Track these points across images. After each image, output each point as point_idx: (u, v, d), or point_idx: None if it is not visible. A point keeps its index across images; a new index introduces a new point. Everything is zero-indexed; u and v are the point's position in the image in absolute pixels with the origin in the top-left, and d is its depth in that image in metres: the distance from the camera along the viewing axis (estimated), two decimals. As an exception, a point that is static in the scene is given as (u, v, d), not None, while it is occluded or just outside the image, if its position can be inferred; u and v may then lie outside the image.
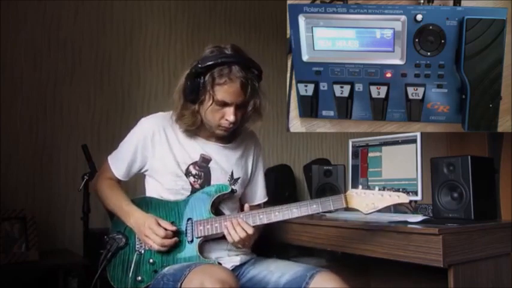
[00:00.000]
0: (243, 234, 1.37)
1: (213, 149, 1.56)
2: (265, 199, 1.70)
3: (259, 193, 1.69)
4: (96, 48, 2.66)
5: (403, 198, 1.33)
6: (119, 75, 2.73)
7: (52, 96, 2.50)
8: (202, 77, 1.39)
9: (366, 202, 1.34)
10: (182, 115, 1.47)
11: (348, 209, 1.39)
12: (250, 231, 1.38)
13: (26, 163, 2.39)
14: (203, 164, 1.53)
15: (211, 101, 1.41)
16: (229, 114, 1.42)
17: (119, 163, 1.57)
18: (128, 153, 1.54)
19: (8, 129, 2.34)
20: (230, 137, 1.58)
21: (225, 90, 1.39)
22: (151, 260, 1.44)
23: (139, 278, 1.44)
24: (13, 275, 1.96)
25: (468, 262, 1.47)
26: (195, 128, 1.51)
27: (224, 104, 1.41)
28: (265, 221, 1.41)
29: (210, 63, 1.38)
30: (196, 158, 1.53)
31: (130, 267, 1.45)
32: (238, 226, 1.38)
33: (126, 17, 2.78)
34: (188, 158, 1.52)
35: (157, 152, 1.52)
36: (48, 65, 2.50)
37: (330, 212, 1.51)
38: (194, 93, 1.41)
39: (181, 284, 1.26)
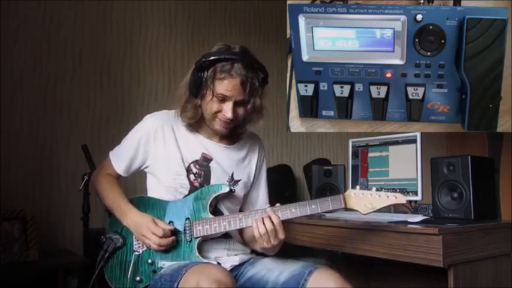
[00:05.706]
0: (270, 226, 1.35)
1: (214, 149, 1.55)
2: (267, 206, 1.62)
3: (261, 199, 1.66)
4: (96, 48, 2.66)
5: (400, 198, 1.34)
6: (119, 75, 2.73)
7: (52, 96, 2.50)
8: (205, 71, 1.43)
9: (364, 202, 1.35)
10: (185, 108, 1.49)
11: (347, 209, 1.39)
12: (277, 220, 1.35)
13: (26, 163, 2.39)
14: (204, 162, 1.53)
15: (211, 96, 1.43)
16: (227, 110, 1.43)
17: (120, 158, 1.56)
18: (129, 149, 1.54)
19: (8, 129, 2.35)
20: (233, 137, 1.58)
21: (224, 85, 1.41)
22: (149, 261, 1.44)
23: (138, 278, 1.43)
24: (13, 275, 1.97)
25: (468, 262, 1.47)
26: (197, 125, 1.52)
27: (223, 99, 1.43)
28: None
29: (214, 58, 1.41)
30: (198, 156, 1.53)
31: (129, 267, 1.44)
32: (267, 218, 1.36)
33: (126, 17, 2.78)
34: (189, 156, 1.52)
35: (159, 149, 1.51)
36: (48, 65, 2.50)
37: (329, 212, 1.51)
38: (197, 86, 1.45)
39: (177, 284, 1.25)
